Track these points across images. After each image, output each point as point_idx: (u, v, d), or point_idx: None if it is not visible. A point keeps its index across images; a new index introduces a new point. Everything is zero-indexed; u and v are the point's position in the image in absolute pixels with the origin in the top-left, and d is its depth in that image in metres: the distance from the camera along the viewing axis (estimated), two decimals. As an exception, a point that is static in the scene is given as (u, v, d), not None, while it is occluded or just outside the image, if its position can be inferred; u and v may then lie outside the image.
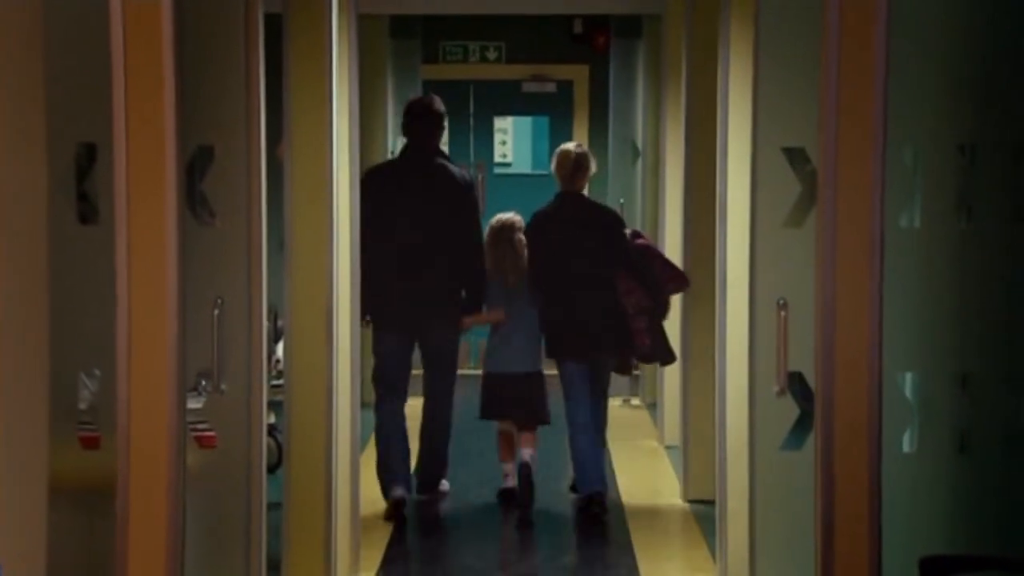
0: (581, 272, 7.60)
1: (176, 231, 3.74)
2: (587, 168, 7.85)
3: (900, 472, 4.01)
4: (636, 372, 10.43)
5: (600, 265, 7.59)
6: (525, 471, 7.74)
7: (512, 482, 7.89)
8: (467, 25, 13.19)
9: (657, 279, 7.69)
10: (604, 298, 7.57)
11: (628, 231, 7.88)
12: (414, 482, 7.86)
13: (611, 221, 7.82)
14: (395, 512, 7.48)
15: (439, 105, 7.76)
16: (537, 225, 7.75)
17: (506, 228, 7.79)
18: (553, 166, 7.86)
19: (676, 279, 7.80)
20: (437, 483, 8.05)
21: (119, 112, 3.67)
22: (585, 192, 8.02)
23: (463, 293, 7.72)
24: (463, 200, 7.61)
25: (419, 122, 7.67)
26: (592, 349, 7.66)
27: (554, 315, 7.65)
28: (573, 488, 7.91)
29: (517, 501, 7.79)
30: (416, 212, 7.54)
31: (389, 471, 7.58)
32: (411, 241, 7.51)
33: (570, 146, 7.99)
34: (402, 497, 7.51)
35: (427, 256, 7.55)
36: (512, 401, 7.86)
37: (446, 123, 7.84)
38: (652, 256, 7.81)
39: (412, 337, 7.70)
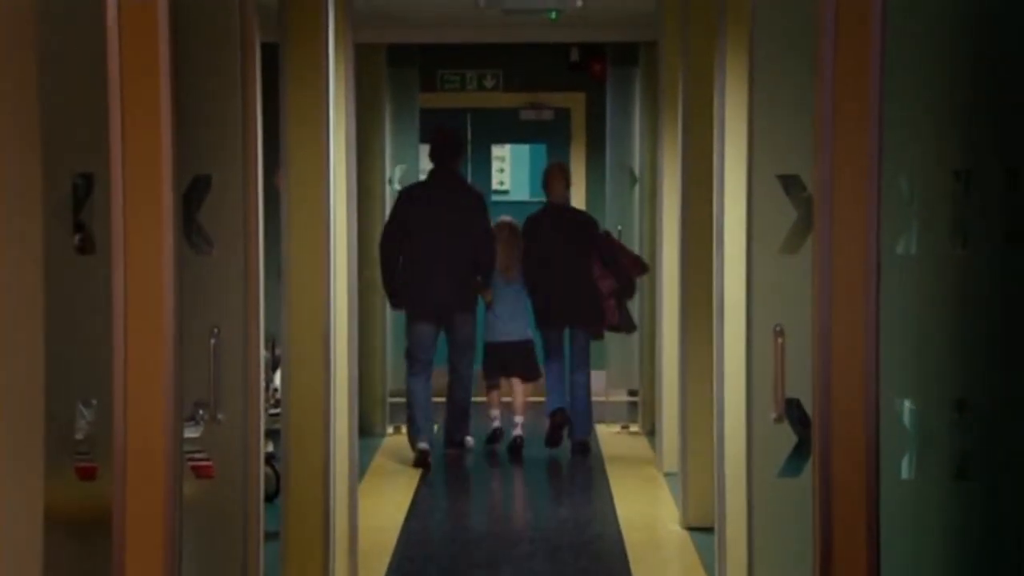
0: (563, 262, 10.03)
1: (173, 260, 3.74)
2: (569, 182, 10.48)
3: (898, 498, 4.00)
4: (633, 399, 11.05)
5: (578, 257, 10.02)
6: (518, 443, 10.27)
7: (498, 423, 10.49)
8: (464, 54, 13.22)
9: (623, 267, 10.16)
10: (581, 282, 10.01)
11: (601, 231, 10.36)
12: (442, 439, 10.23)
13: (587, 223, 10.35)
14: (422, 460, 9.74)
15: (459, 135, 10.37)
16: (530, 227, 10.26)
17: (513, 229, 10.26)
18: (543, 182, 10.38)
19: (637, 266, 10.29)
20: (462, 441, 10.26)
21: (116, 142, 3.68)
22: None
23: (479, 279, 9.98)
24: (480, 211, 9.81)
25: (444, 149, 9.90)
26: (571, 320, 10.15)
27: (543, 295, 10.13)
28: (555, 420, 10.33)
29: (502, 442, 10.36)
30: (443, 221, 9.66)
31: (417, 429, 9.83)
32: (439, 244, 9.62)
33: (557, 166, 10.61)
34: (426, 449, 9.76)
35: (451, 256, 9.66)
36: (512, 362, 10.33)
37: (467, 149, 10.69)
38: (618, 249, 10.34)
39: (439, 322, 9.84)
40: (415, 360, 9.90)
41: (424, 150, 12.04)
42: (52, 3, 3.60)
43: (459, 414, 10.18)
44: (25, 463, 3.22)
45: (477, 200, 9.88)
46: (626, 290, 10.20)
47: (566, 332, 10.24)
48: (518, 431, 10.28)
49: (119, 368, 3.70)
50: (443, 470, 9.89)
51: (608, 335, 10.97)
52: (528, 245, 10.18)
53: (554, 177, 10.35)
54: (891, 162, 3.83)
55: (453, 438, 10.26)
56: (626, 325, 10.37)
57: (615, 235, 10.75)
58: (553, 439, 10.29)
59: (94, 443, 3.96)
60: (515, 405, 10.35)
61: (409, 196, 9.85)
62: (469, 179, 13.64)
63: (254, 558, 4.83)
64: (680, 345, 8.27)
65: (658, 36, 9.81)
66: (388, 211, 10.76)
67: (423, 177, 10.75)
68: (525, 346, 10.35)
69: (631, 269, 10.23)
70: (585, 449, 10.27)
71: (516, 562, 7.51)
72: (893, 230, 4.03)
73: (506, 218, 10.43)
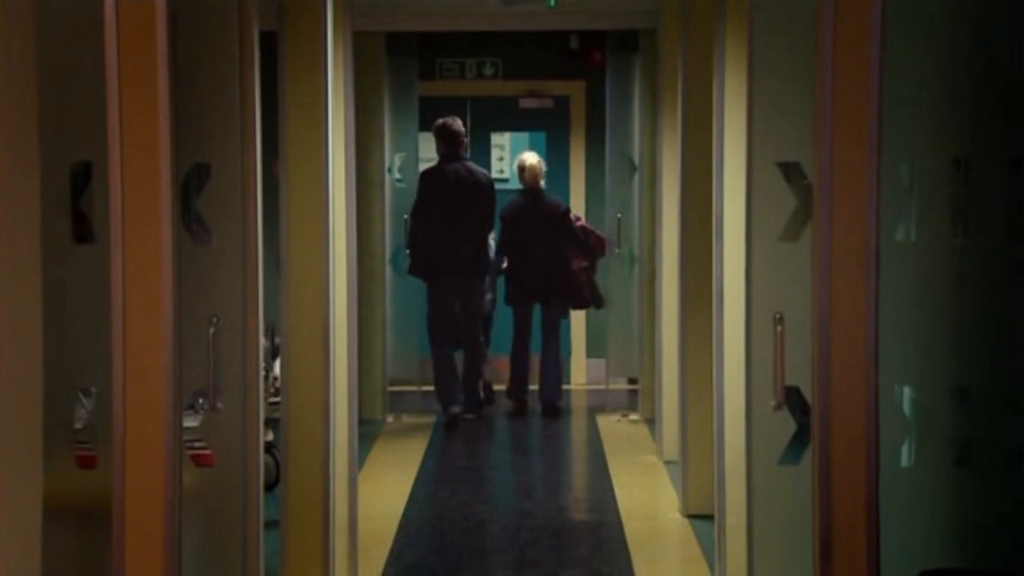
0: (538, 243, 11.19)
1: (171, 249, 3.73)
2: (543, 173, 11.50)
3: (898, 486, 4.00)
4: (633, 387, 10.96)
5: (552, 238, 11.19)
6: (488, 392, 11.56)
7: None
8: (463, 42, 13.19)
9: (593, 247, 11.30)
10: (554, 261, 11.20)
11: (572, 215, 11.45)
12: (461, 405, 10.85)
13: (560, 209, 11.39)
14: (452, 424, 10.68)
15: (458, 125, 11.08)
16: (509, 210, 11.31)
17: None
18: (521, 172, 11.43)
19: (602, 246, 11.36)
20: (480, 407, 11.13)
21: (114, 130, 3.67)
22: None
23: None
24: (487, 192, 10.94)
25: (446, 141, 10.98)
26: (543, 296, 11.31)
27: (517, 273, 11.29)
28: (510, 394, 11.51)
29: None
30: (454, 201, 10.81)
31: (445, 394, 10.76)
32: (451, 221, 10.76)
33: (533, 159, 11.48)
34: (457, 413, 10.70)
35: (462, 231, 10.78)
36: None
37: (467, 136, 11.27)
38: (588, 232, 11.35)
39: (453, 290, 10.83)
40: (436, 329, 10.85)
41: (423, 138, 12.06)
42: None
43: (473, 380, 11.02)
44: (25, 452, 3.22)
45: (482, 183, 11.00)
46: (593, 268, 11.34)
47: (536, 308, 11.38)
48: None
49: (118, 357, 3.70)
50: (444, 458, 9.90)
51: (609, 324, 11.15)
52: (506, 227, 11.26)
53: (536, 172, 11.50)
54: (891, 150, 3.83)
55: (469, 404, 11.00)
56: (595, 300, 11.41)
57: (582, 219, 11.77)
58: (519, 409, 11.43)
59: (94, 432, 3.96)
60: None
61: (425, 179, 10.97)
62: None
63: (254, 546, 4.83)
64: (680, 333, 8.27)
65: (658, 24, 9.80)
66: (387, 199, 11.22)
67: (422, 165, 11.58)
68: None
69: (597, 249, 11.32)
70: (555, 411, 11.29)
71: (516, 550, 7.51)
72: (893, 218, 4.02)
73: None
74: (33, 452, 3.23)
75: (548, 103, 13.66)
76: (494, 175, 13.92)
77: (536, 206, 11.33)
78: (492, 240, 11.35)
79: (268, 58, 5.42)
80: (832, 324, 3.72)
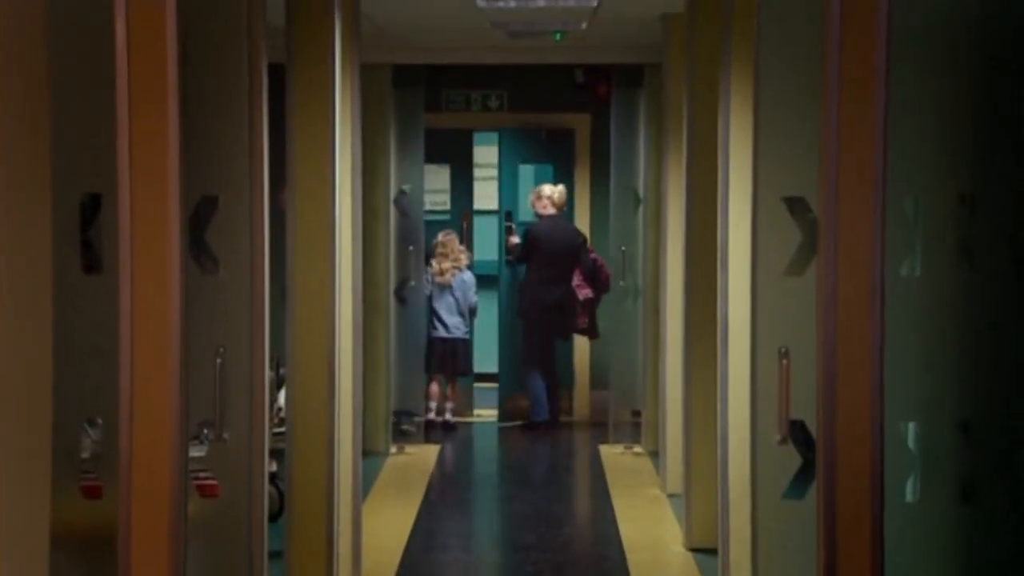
0: (554, 269, 12.00)
1: (179, 280, 3.75)
2: (564, 203, 12.42)
3: (903, 521, 4.00)
4: (637, 419, 11.00)
5: (568, 267, 12.01)
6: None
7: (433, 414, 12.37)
8: (470, 74, 13.24)
9: (601, 281, 12.01)
10: (565, 287, 11.99)
11: (588, 246, 12.22)
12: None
13: (579, 239, 12.25)
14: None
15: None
16: (531, 237, 12.13)
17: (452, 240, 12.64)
18: (546, 201, 12.23)
19: (608, 282, 11.94)
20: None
21: (123, 162, 3.69)
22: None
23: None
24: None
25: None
26: (551, 317, 12.03)
27: (533, 299, 12.12)
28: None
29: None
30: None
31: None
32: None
33: (555, 189, 12.31)
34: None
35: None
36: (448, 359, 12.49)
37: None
38: (599, 266, 12.09)
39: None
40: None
41: (429, 170, 12.19)
42: (62, 26, 3.62)
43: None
44: (32, 481, 3.22)
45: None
46: (597, 301, 12.05)
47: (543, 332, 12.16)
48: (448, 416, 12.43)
49: (125, 387, 3.71)
50: (447, 489, 9.89)
51: (613, 356, 11.18)
52: (530, 248, 12.07)
53: (558, 199, 12.32)
54: (896, 185, 3.84)
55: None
56: (591, 331, 12.19)
57: (595, 252, 12.36)
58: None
59: (99, 462, 3.97)
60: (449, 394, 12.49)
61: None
62: (473, 200, 13.86)
63: (258, 578, 4.83)
64: (684, 366, 8.27)
65: (663, 58, 9.83)
66: (393, 229, 11.38)
67: (428, 197, 12.66)
68: (460, 344, 12.41)
69: (605, 283, 11.96)
70: (555, 424, 12.32)
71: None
72: (898, 253, 4.03)
73: (449, 231, 12.66)
74: (41, 482, 3.23)
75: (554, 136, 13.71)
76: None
77: (556, 233, 12.05)
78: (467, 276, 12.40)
79: (276, 90, 5.45)
80: (837, 358, 3.73)
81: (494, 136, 13.75)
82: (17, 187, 3.17)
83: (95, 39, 3.81)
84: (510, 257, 12.81)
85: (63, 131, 3.65)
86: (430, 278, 12.32)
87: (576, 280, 12.01)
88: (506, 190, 13.39)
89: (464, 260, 12.53)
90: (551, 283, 11.99)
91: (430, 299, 12.32)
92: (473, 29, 10.03)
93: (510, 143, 13.38)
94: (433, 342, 12.31)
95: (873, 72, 3.70)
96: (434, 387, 12.45)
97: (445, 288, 12.39)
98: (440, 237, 12.48)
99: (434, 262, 12.39)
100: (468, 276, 12.53)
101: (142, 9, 3.68)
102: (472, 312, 12.55)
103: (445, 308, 12.35)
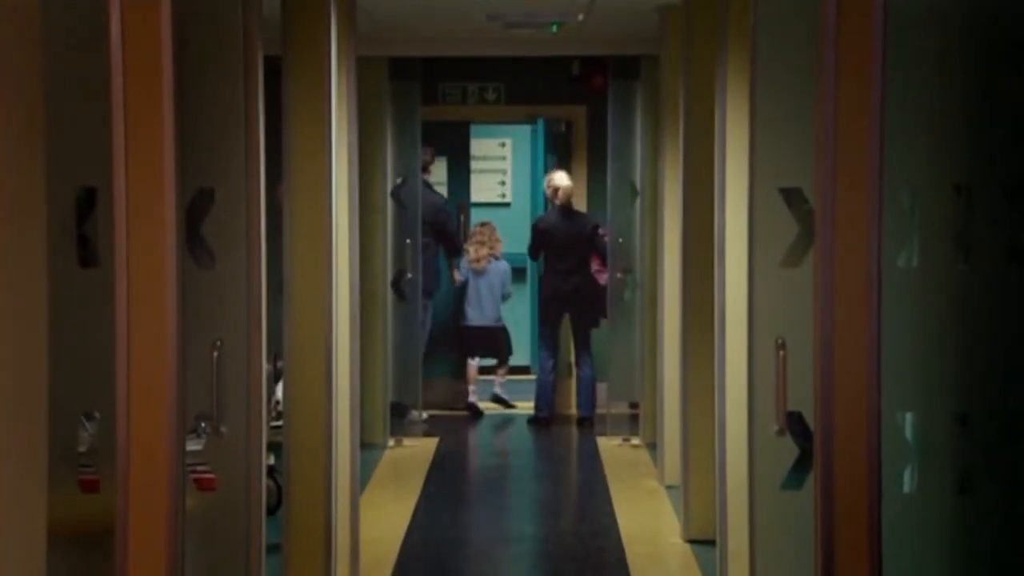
0: (569, 260, 12.00)
1: (175, 273, 3.75)
2: (573, 192, 12.33)
3: (900, 512, 4.01)
4: (634, 411, 10.94)
5: (584, 253, 12.02)
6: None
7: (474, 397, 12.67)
8: (466, 67, 13.23)
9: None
10: (583, 275, 12.02)
11: (601, 231, 11.99)
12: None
13: (589, 226, 12.13)
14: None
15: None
16: (543, 227, 12.13)
17: (492, 229, 13.00)
18: (555, 193, 12.08)
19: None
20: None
21: (119, 156, 3.69)
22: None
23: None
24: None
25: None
26: (572, 309, 12.01)
27: (549, 289, 12.12)
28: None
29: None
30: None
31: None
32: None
33: (565, 180, 12.18)
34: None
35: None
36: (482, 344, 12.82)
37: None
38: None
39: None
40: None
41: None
42: (56, 19, 3.62)
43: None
44: (28, 475, 3.22)
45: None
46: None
47: (564, 322, 12.13)
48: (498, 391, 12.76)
49: (122, 381, 3.71)
50: (445, 481, 9.90)
51: (610, 347, 11.16)
52: (539, 242, 12.08)
53: (569, 191, 12.25)
54: (892, 176, 3.84)
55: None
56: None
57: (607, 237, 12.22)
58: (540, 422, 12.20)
59: (97, 456, 3.97)
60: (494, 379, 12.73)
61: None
62: (470, 192, 13.80)
63: (256, 571, 4.83)
64: (681, 357, 8.27)
65: (659, 50, 9.83)
66: (390, 222, 11.35)
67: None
68: (498, 331, 12.63)
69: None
70: (590, 423, 11.93)
71: (517, 575, 7.51)
72: (894, 243, 4.03)
73: (487, 220, 12.98)
74: (38, 476, 3.23)
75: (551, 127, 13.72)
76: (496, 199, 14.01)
77: (568, 224, 11.99)
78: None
79: (272, 83, 5.44)
80: (834, 349, 3.73)
81: (492, 129, 13.75)
82: (12, 181, 3.17)
83: (90, 32, 3.80)
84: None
85: (58, 125, 3.65)
86: (466, 264, 12.57)
87: (595, 266, 12.03)
88: (539, 185, 13.45)
89: (499, 248, 12.73)
90: (566, 273, 11.99)
91: (465, 285, 12.56)
92: (469, 21, 10.02)
93: (531, 137, 13.43)
94: (465, 330, 12.53)
95: (869, 64, 3.69)
96: (471, 371, 12.66)
97: (480, 275, 12.62)
98: (478, 226, 12.79)
99: (472, 249, 12.63)
100: (503, 264, 12.74)
101: (137, 2, 3.68)
102: (504, 298, 12.78)
103: (480, 294, 12.55)
